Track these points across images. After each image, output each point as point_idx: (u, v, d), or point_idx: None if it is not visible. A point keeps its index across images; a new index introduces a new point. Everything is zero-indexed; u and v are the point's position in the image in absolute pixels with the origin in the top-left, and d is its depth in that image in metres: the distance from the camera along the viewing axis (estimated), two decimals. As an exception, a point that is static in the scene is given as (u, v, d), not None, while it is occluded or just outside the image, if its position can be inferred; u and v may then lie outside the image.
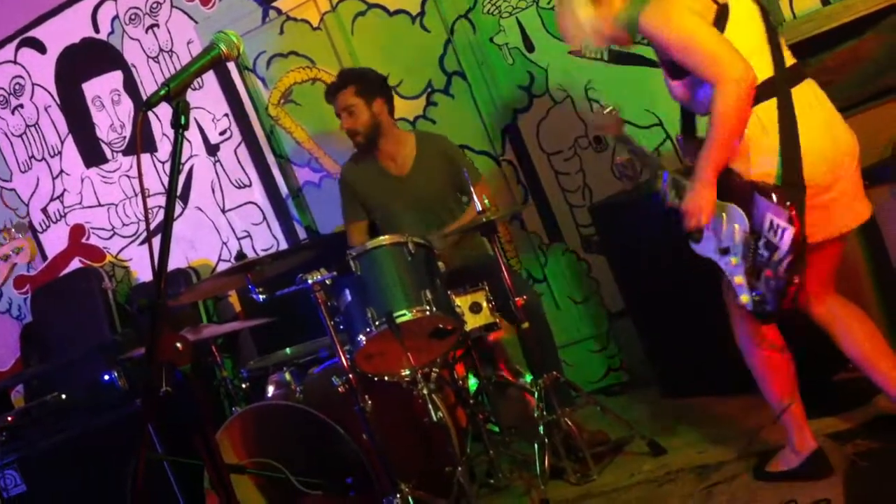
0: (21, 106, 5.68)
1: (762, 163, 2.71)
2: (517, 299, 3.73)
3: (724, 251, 2.79)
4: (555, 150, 4.70)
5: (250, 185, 5.30)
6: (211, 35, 2.18)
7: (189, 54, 5.18)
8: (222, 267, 5.37)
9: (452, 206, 4.42)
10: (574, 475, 3.68)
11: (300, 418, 3.51)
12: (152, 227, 5.47)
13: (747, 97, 2.63)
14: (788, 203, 2.60)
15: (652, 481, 3.49)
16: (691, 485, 3.33)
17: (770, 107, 2.71)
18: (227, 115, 5.25)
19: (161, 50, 5.29)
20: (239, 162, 5.28)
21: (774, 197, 2.62)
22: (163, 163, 5.45)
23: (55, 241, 5.75)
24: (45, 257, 5.78)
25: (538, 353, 3.86)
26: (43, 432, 4.35)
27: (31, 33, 5.58)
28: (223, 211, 5.39)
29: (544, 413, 3.67)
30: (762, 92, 2.69)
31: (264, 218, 5.32)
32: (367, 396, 3.32)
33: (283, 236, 5.31)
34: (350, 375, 3.31)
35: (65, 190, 5.70)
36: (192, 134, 5.30)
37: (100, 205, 5.64)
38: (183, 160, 5.36)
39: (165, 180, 5.06)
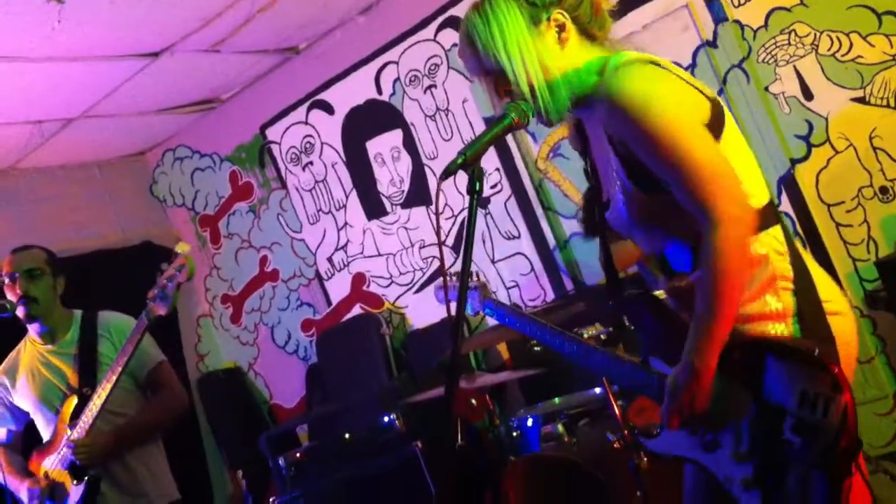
0: (311, 163, 6.16)
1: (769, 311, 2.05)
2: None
3: (712, 446, 2.08)
4: (836, 201, 4.49)
5: (519, 237, 5.44)
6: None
7: (464, 112, 5.43)
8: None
9: None
10: (862, 548, 3.48)
11: (573, 471, 3.55)
12: (425, 277, 5.75)
13: (748, 242, 2.01)
14: (829, 361, 1.92)
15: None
16: None
17: (777, 234, 2.09)
18: (497, 169, 5.43)
19: (437, 109, 5.57)
20: (508, 214, 5.44)
21: (808, 355, 1.93)
22: (437, 214, 5.70)
23: (339, 288, 6.16)
24: (329, 303, 6.21)
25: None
26: (327, 469, 4.63)
27: (320, 96, 6.03)
28: (493, 261, 5.57)
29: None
30: (764, 218, 2.07)
31: (532, 269, 5.44)
32: (642, 454, 3.31)
33: (550, 287, 5.39)
34: (625, 431, 3.32)
35: (348, 241, 6.10)
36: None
37: (379, 254, 5.99)
38: (455, 213, 5.60)
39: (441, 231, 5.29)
